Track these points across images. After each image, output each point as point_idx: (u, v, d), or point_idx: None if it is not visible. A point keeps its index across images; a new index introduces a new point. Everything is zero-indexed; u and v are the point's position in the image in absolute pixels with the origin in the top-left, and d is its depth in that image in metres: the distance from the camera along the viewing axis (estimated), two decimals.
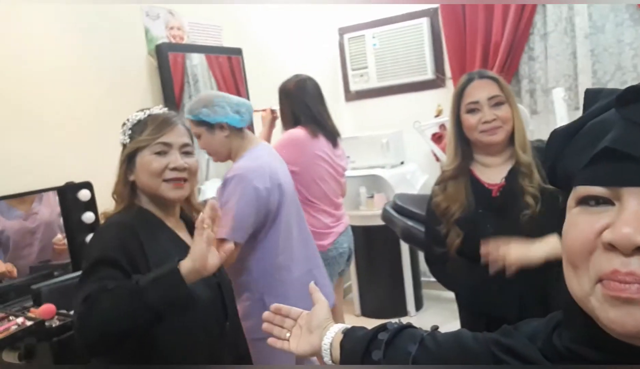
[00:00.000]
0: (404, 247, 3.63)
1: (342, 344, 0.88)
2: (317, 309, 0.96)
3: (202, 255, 1.13)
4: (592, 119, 0.55)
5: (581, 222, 0.52)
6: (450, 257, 1.60)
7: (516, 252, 1.40)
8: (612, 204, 0.50)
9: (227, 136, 1.86)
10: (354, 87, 4.21)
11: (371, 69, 4.08)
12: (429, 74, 3.93)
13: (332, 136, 2.49)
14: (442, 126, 3.85)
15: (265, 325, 1.01)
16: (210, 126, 1.85)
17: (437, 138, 3.83)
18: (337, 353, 0.89)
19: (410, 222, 2.79)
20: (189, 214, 1.45)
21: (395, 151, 3.75)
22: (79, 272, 1.98)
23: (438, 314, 3.70)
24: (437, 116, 3.89)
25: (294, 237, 1.94)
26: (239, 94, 3.25)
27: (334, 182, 2.50)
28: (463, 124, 1.60)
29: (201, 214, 1.17)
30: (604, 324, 0.50)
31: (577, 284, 0.53)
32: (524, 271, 1.43)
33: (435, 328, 0.83)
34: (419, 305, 3.80)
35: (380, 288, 3.73)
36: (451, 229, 1.58)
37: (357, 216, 3.58)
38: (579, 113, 2.56)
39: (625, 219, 0.48)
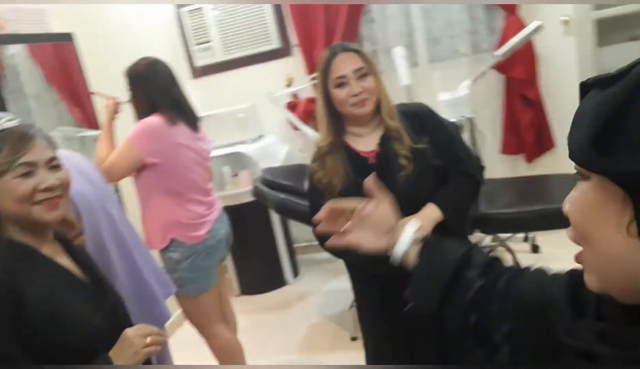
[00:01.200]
0: (275, 220, 3.64)
1: (422, 257, 0.88)
2: (384, 209, 0.96)
3: None
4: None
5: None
6: None
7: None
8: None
9: None
10: (199, 62, 4.02)
11: (215, 42, 3.92)
12: (275, 43, 3.89)
13: (192, 119, 2.34)
14: (295, 95, 3.87)
15: (320, 226, 0.98)
16: None
17: (291, 107, 3.84)
18: (411, 259, 0.90)
19: (282, 195, 2.80)
20: (61, 230, 1.28)
21: (253, 124, 3.69)
22: None
23: (314, 278, 3.80)
24: (288, 85, 3.88)
25: (111, 252, 1.74)
26: (72, 83, 2.92)
27: (201, 168, 2.37)
28: (333, 98, 1.61)
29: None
30: None
31: None
32: None
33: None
34: (295, 272, 3.86)
35: (257, 264, 3.71)
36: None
37: (224, 196, 3.47)
38: (418, 69, 2.79)
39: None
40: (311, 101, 3.85)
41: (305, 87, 3.64)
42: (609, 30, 3.30)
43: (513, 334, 0.74)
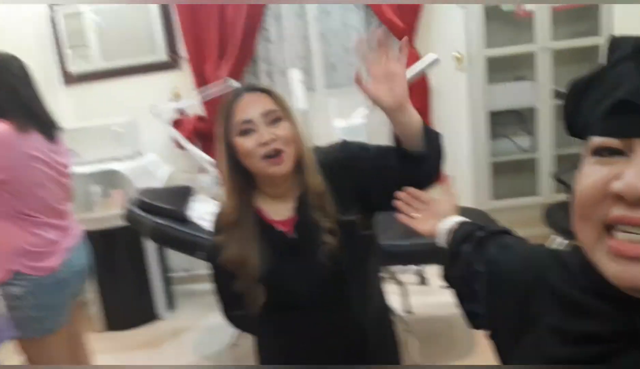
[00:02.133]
0: (150, 247, 3.27)
1: (453, 231, 1.03)
2: (445, 199, 1.16)
3: None
4: (612, 69, 0.56)
5: (593, 172, 0.54)
6: (256, 317, 1.33)
7: None
8: (625, 155, 0.52)
9: None
10: (74, 68, 3.60)
11: (94, 47, 3.53)
12: (162, 55, 3.58)
13: (49, 128, 1.98)
14: (182, 112, 3.58)
15: (399, 203, 1.18)
16: None
17: (177, 124, 3.54)
18: (449, 238, 1.04)
19: (160, 220, 2.50)
20: None
21: (131, 140, 3.33)
22: None
23: (192, 312, 3.46)
24: (174, 100, 3.58)
25: None
26: None
27: (56, 186, 2.01)
28: (237, 150, 1.27)
29: None
30: (606, 277, 0.53)
31: (586, 234, 0.55)
32: (344, 319, 1.33)
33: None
34: (171, 305, 3.50)
35: (126, 296, 3.31)
36: (252, 286, 1.29)
37: (91, 219, 3.07)
38: (315, 94, 2.51)
39: (635, 170, 0.50)
40: (201, 119, 3.59)
41: (194, 104, 3.37)
42: (498, 69, 3.39)
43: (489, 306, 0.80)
